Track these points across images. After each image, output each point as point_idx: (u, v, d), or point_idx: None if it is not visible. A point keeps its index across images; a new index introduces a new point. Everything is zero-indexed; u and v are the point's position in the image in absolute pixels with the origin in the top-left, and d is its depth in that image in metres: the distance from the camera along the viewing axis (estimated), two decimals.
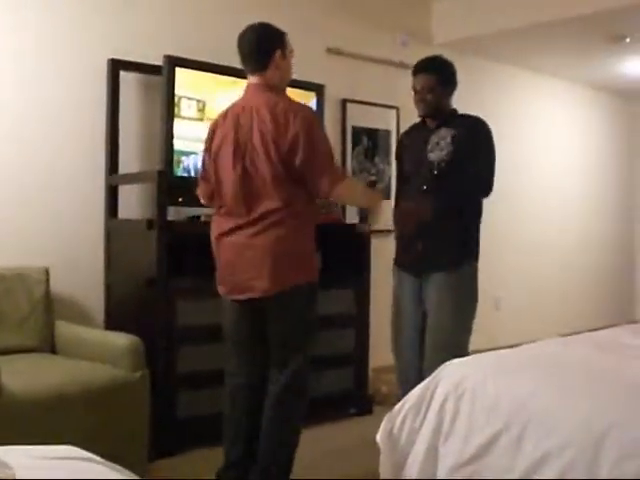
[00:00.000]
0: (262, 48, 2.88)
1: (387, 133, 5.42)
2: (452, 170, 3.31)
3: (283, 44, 2.91)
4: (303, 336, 2.93)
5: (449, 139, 3.34)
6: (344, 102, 5.12)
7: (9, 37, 3.68)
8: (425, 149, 3.40)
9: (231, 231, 2.85)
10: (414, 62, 3.53)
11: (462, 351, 3.15)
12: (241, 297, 2.89)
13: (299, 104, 2.91)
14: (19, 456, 1.62)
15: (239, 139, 2.82)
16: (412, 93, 3.47)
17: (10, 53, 3.69)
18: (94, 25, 3.93)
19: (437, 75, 3.42)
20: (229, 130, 2.86)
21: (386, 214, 3.56)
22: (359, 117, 5.21)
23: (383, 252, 4.93)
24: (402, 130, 4.87)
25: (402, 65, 5.31)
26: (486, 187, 3.37)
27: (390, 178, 5.40)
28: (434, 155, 3.35)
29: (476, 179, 3.35)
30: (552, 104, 7.00)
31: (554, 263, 6.91)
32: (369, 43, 5.22)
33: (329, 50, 4.99)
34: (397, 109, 5.37)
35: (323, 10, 4.94)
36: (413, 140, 3.57)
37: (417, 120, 3.61)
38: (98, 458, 1.77)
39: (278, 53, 2.87)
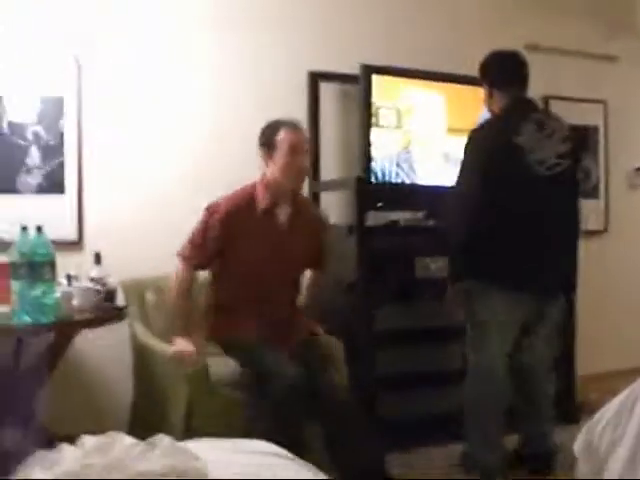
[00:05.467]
0: None
1: (594, 130, 5.19)
2: None
3: None
4: None
5: None
6: (546, 99, 4.95)
7: (210, 55, 3.92)
8: None
9: None
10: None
11: None
12: None
13: None
14: (208, 449, 1.65)
15: None
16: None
17: (211, 70, 3.93)
18: (292, 40, 4.09)
19: None
20: None
21: None
22: (563, 114, 4.99)
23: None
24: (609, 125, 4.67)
25: (607, 57, 5.07)
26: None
27: (599, 177, 5.20)
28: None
29: None
30: None
31: None
32: (569, 36, 5.02)
33: (527, 46, 4.84)
34: (604, 103, 5.12)
35: (520, 5, 4.82)
36: None
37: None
38: (287, 453, 1.78)
39: None
